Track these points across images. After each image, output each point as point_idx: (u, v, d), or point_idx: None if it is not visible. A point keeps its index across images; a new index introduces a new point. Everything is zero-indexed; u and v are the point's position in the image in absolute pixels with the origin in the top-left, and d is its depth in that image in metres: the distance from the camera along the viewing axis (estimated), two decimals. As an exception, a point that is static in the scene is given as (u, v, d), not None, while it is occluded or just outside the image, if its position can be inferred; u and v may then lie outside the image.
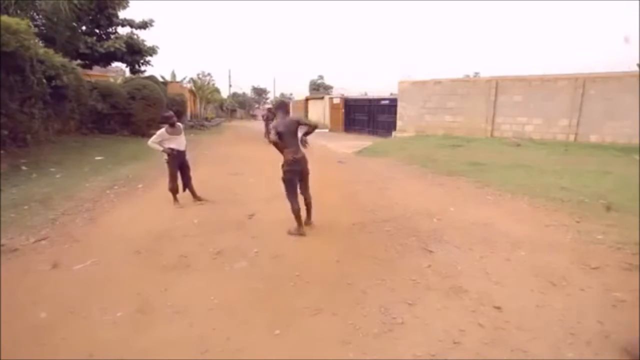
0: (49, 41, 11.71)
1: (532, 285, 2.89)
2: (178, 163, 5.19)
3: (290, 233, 4.04)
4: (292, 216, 4.07)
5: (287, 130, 3.91)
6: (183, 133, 5.28)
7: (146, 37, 17.04)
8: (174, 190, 5.20)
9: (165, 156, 5.11)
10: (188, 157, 5.42)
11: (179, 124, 5.25)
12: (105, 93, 12.71)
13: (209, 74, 41.58)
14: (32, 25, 10.44)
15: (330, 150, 12.46)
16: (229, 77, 50.17)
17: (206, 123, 25.70)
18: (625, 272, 3.10)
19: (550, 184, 6.08)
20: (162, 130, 5.09)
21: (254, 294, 2.80)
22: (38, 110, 8.51)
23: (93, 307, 2.56)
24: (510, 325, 2.37)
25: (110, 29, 16.08)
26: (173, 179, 5.19)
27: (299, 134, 4.04)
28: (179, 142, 5.17)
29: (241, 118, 51.03)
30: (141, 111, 13.58)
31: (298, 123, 4.07)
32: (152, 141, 5.09)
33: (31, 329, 2.32)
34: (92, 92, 12.28)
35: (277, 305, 2.64)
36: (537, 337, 2.26)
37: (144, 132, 13.80)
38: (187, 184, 5.37)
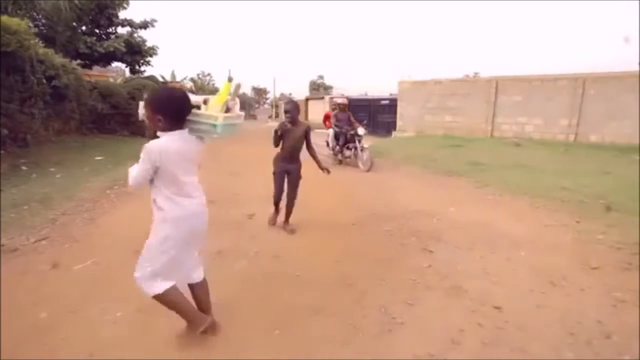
0: (49, 41, 11.71)
1: (532, 285, 2.89)
2: None
3: (292, 232, 4.07)
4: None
5: None
6: None
7: (146, 37, 17.00)
8: None
9: None
10: None
11: None
12: (105, 93, 12.70)
13: (209, 74, 41.64)
14: (32, 25, 10.45)
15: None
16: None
17: (206, 123, 25.69)
18: (625, 272, 3.10)
19: (550, 184, 6.08)
20: None
21: (254, 294, 2.80)
22: (38, 110, 8.50)
23: (93, 307, 2.56)
24: (510, 325, 2.37)
25: (110, 29, 16.09)
26: None
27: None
28: None
29: (241, 118, 50.91)
30: (141, 111, 13.57)
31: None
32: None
33: (31, 329, 2.31)
34: (92, 92, 12.28)
35: (277, 305, 2.64)
36: (537, 337, 2.26)
37: (144, 132, 13.79)
38: None
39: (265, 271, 3.18)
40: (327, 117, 10.06)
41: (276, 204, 4.22)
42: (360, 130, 8.38)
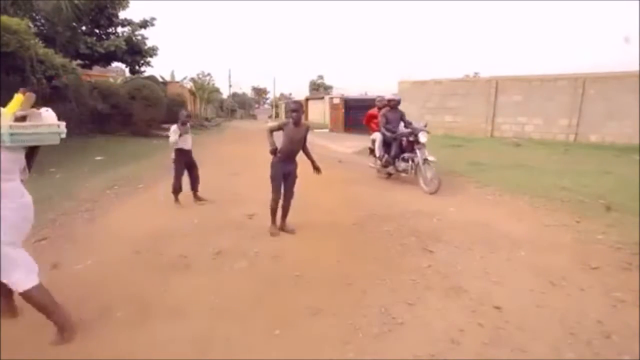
0: (49, 41, 11.71)
1: (532, 285, 2.89)
2: (184, 162, 5.25)
3: (292, 232, 4.08)
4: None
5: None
6: (190, 132, 5.35)
7: (146, 37, 16.97)
8: (176, 190, 5.24)
9: (173, 155, 5.19)
10: (194, 157, 5.46)
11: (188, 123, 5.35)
12: (105, 93, 12.71)
13: (209, 74, 41.57)
14: (32, 26, 10.44)
15: (330, 150, 12.46)
16: (229, 77, 50.19)
17: (206, 123, 25.73)
18: (625, 272, 3.10)
19: (550, 184, 6.08)
20: (175, 126, 5.17)
21: (254, 294, 2.80)
22: (38, 110, 8.50)
23: (93, 307, 2.56)
24: (510, 325, 2.37)
25: (110, 29, 16.09)
26: (178, 177, 5.23)
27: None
28: (186, 141, 5.24)
29: (241, 118, 51.04)
30: (141, 111, 13.57)
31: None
32: (173, 138, 5.14)
33: (32, 329, 2.31)
34: (92, 92, 12.29)
35: (277, 305, 2.64)
36: (537, 337, 2.26)
37: (144, 132, 13.80)
38: (193, 184, 5.42)
39: (265, 271, 3.18)
40: (371, 117, 7.92)
41: (275, 210, 4.05)
42: (423, 137, 6.31)
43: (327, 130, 20.90)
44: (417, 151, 6.31)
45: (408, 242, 3.83)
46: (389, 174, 7.16)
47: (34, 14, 12.32)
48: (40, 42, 9.77)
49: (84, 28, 14.93)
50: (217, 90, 42.77)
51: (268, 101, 66.33)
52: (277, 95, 56.14)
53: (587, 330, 2.31)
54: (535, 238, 3.89)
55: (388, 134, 6.86)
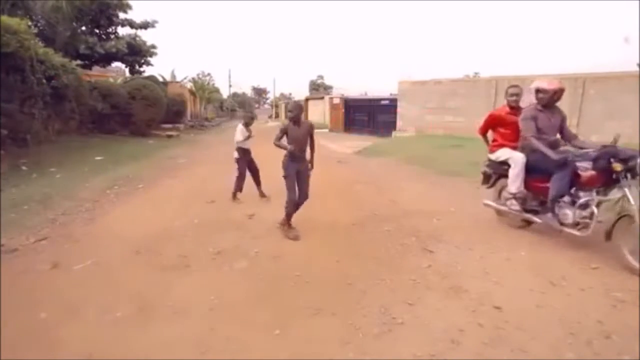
0: (48, 41, 11.70)
1: (532, 285, 2.89)
2: (247, 161, 5.44)
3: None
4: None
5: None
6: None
7: (147, 36, 17.03)
8: (240, 189, 5.42)
9: (236, 154, 5.36)
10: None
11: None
12: (105, 93, 12.70)
13: (209, 74, 41.61)
14: (32, 26, 10.43)
15: (330, 150, 12.46)
16: (229, 77, 50.19)
17: (206, 123, 25.73)
18: (625, 272, 3.09)
19: (550, 184, 6.07)
20: (241, 126, 5.38)
21: (254, 294, 2.80)
22: (38, 110, 8.49)
23: (93, 307, 2.56)
24: (510, 325, 2.37)
25: (110, 29, 16.09)
26: (242, 177, 5.41)
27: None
28: (248, 141, 5.47)
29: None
30: (141, 111, 13.57)
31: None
32: (241, 140, 5.31)
33: (31, 329, 2.31)
34: (92, 92, 12.27)
35: (277, 305, 2.64)
36: (537, 337, 2.26)
37: (144, 132, 13.79)
38: (257, 180, 5.55)
39: (265, 271, 3.18)
40: (496, 121, 4.33)
41: (292, 212, 4.00)
42: None
43: (327, 130, 20.91)
44: (626, 191, 3.24)
45: (408, 242, 3.83)
46: (527, 222, 4.06)
47: (31, 14, 12.30)
48: (40, 42, 9.76)
49: (83, 28, 14.93)
50: (217, 90, 42.78)
51: (268, 101, 66.39)
52: (277, 95, 56.23)
53: (587, 330, 2.31)
54: (535, 238, 3.89)
55: (553, 155, 3.57)
